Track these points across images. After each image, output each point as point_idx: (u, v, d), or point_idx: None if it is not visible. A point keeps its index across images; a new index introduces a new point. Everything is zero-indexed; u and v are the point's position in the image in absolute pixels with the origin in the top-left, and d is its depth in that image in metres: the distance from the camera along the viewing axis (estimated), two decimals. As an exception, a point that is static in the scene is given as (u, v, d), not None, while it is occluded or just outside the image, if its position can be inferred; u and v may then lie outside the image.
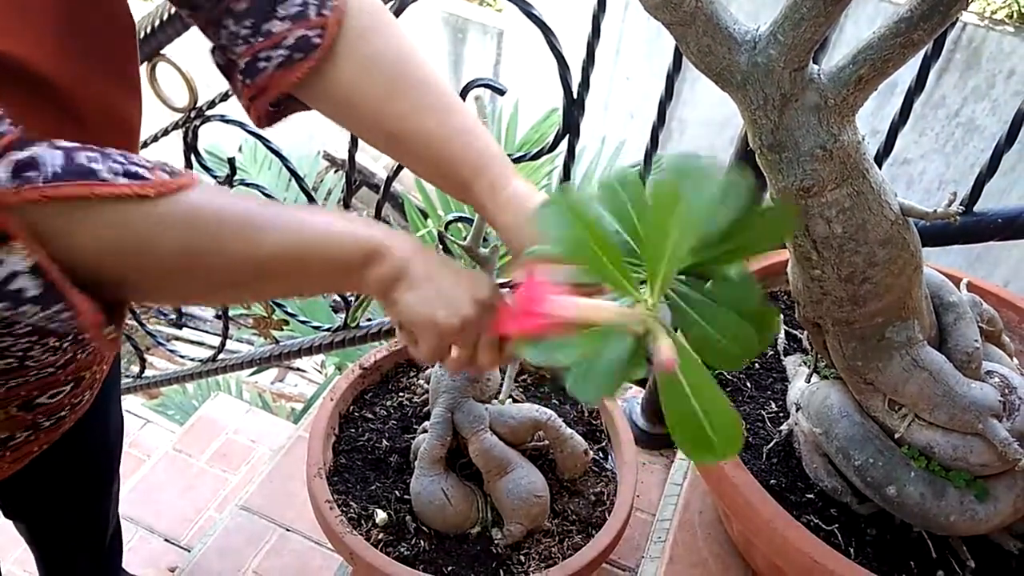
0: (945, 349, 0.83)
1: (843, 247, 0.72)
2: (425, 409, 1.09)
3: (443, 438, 0.95)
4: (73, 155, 0.46)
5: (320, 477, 0.96)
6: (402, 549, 0.92)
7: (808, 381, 0.94)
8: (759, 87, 0.64)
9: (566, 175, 1.15)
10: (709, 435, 0.45)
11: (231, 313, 1.76)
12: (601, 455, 1.07)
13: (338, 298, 1.87)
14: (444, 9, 4.03)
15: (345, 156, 1.21)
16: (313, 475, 0.96)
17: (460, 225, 1.06)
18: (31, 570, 1.32)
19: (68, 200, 0.45)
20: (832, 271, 0.74)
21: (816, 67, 0.64)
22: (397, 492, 0.99)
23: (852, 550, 0.84)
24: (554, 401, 1.14)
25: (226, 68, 0.68)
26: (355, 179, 1.29)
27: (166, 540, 1.68)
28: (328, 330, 1.49)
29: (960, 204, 0.95)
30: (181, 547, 1.67)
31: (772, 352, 1.07)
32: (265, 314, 2.75)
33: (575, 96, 1.02)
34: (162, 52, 1.12)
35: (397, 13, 0.98)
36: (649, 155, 1.11)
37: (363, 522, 0.94)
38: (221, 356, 1.73)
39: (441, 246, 1.28)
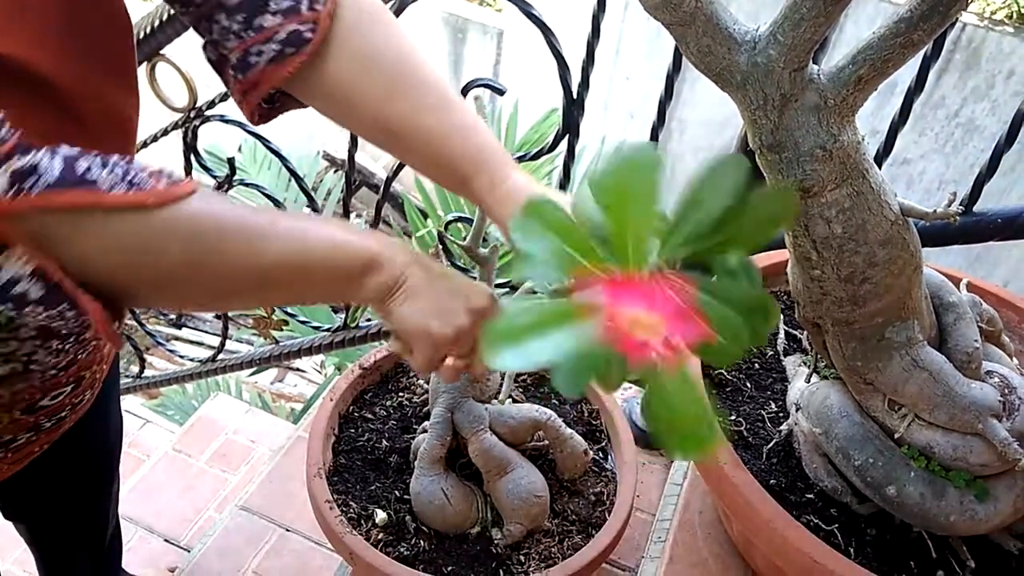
0: (945, 349, 0.83)
1: (843, 247, 0.72)
2: (425, 409, 1.09)
3: (443, 438, 0.95)
4: (73, 163, 0.46)
5: (320, 477, 0.96)
6: (402, 549, 0.92)
7: (808, 381, 0.94)
8: (759, 87, 0.64)
9: (566, 175, 1.15)
10: (683, 431, 0.45)
11: (231, 313, 1.76)
12: (601, 455, 1.07)
13: (338, 298, 1.86)
14: (444, 9, 4.03)
15: (345, 156, 1.21)
16: (313, 475, 0.96)
17: (460, 225, 1.06)
18: (31, 570, 1.31)
19: (67, 209, 0.45)
20: (832, 271, 0.74)
21: (816, 67, 0.64)
22: (397, 492, 0.99)
23: (852, 550, 0.84)
24: (554, 401, 1.14)
25: (218, 64, 0.68)
26: (355, 179, 1.29)
27: (166, 540, 1.68)
28: (328, 330, 1.49)
29: (960, 204, 0.95)
30: (181, 547, 1.66)
31: (772, 352, 1.07)
32: (265, 314, 2.75)
33: (575, 96, 1.02)
34: (162, 52, 1.12)
35: (397, 13, 0.98)
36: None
37: (363, 522, 0.94)
38: (221, 356, 1.73)
39: (441, 246, 1.28)
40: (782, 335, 1.07)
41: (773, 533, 0.80)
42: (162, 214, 0.48)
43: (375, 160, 4.32)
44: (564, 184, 1.17)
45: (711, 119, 3.60)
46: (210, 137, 1.56)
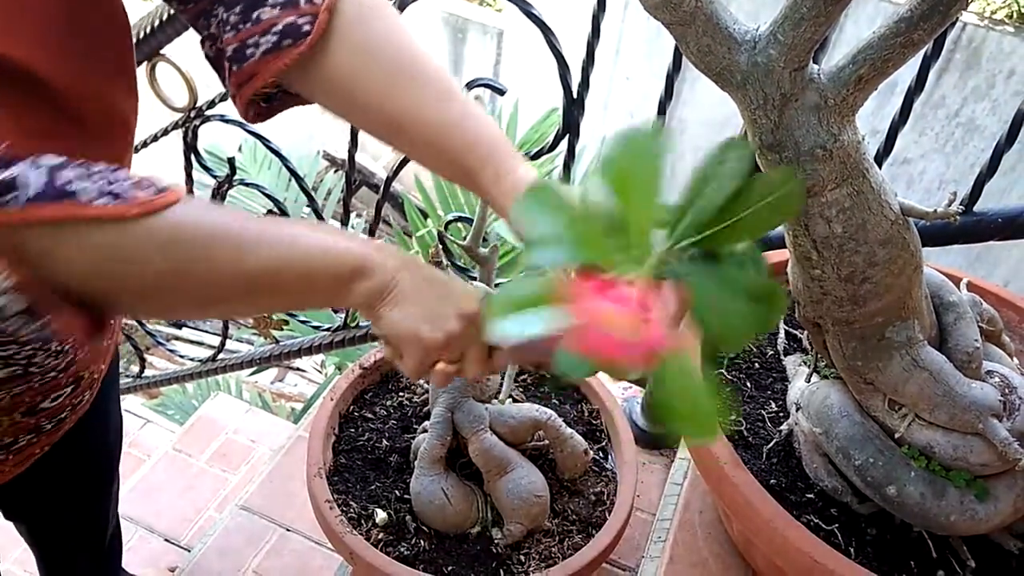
0: (945, 349, 0.83)
1: (843, 247, 0.72)
2: (425, 409, 1.09)
3: (443, 438, 0.95)
4: (55, 175, 0.45)
5: (320, 477, 0.96)
6: (402, 549, 0.92)
7: (808, 381, 0.94)
8: (759, 87, 0.64)
9: (566, 175, 1.15)
10: (688, 415, 0.45)
11: (231, 313, 1.76)
12: (601, 455, 1.07)
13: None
14: (444, 9, 4.03)
15: (345, 156, 1.21)
16: (313, 475, 0.96)
17: (460, 225, 1.06)
18: (31, 570, 1.31)
19: (47, 223, 0.45)
20: (832, 271, 0.74)
21: (816, 67, 0.64)
22: (397, 492, 0.99)
23: (852, 550, 0.84)
24: (554, 401, 1.14)
25: (215, 59, 0.68)
26: (355, 179, 1.29)
27: (166, 540, 1.68)
28: (328, 330, 1.49)
29: (960, 204, 0.95)
30: (181, 547, 1.67)
31: (772, 352, 1.07)
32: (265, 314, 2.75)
33: (575, 96, 1.02)
34: (162, 52, 1.12)
35: (397, 13, 0.98)
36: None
37: (363, 522, 0.94)
38: (221, 356, 1.73)
39: (441, 246, 1.28)
40: (782, 335, 1.07)
41: (773, 533, 0.80)
42: (146, 224, 0.48)
43: (375, 160, 4.32)
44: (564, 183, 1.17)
45: (711, 119, 3.60)
46: (210, 137, 1.56)
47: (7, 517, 1.07)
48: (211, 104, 1.18)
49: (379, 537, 0.93)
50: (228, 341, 1.65)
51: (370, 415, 1.10)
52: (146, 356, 1.95)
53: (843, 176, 0.68)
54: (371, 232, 1.32)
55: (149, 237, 0.48)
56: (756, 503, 0.82)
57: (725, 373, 1.03)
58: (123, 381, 1.92)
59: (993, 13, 3.29)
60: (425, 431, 0.99)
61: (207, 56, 0.69)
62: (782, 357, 1.05)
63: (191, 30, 0.70)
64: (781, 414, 0.99)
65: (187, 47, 1.08)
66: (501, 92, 0.97)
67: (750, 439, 0.95)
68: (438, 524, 0.95)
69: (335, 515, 0.92)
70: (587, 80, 1.01)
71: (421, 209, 2.48)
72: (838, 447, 0.85)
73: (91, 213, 0.45)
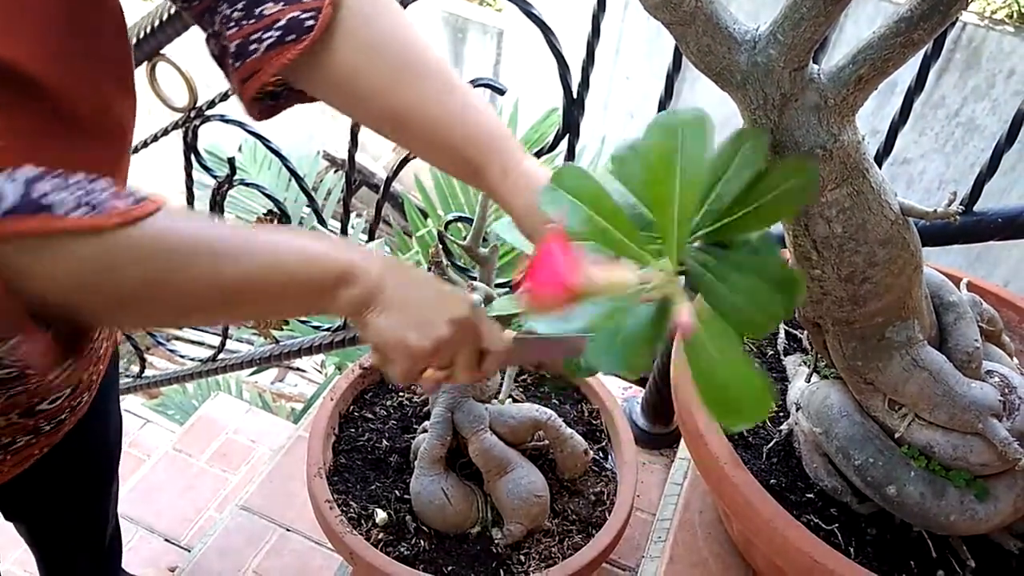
0: (945, 349, 0.83)
1: (843, 247, 0.72)
2: (425, 409, 1.10)
3: (443, 438, 0.95)
4: (31, 187, 0.45)
5: (320, 477, 0.96)
6: (402, 549, 0.92)
7: (808, 381, 0.94)
8: (759, 87, 0.64)
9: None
10: (737, 400, 0.45)
11: (231, 313, 1.76)
12: (601, 455, 1.07)
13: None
14: (444, 9, 4.03)
15: (345, 156, 1.21)
16: (313, 475, 0.96)
17: (460, 225, 1.06)
18: (31, 570, 1.32)
19: (22, 236, 0.44)
20: (832, 271, 0.74)
21: (816, 67, 0.64)
22: (397, 492, 0.99)
23: (852, 550, 0.84)
24: (554, 401, 1.14)
25: (220, 57, 0.68)
26: (355, 179, 1.29)
27: (166, 540, 1.68)
28: (328, 330, 1.49)
29: (960, 204, 0.95)
30: (181, 547, 1.67)
31: (772, 352, 1.07)
32: (265, 314, 2.74)
33: (575, 96, 1.02)
34: (162, 52, 1.12)
35: (397, 13, 0.98)
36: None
37: (363, 522, 0.94)
38: (221, 356, 1.73)
39: (441, 246, 1.28)
40: (782, 335, 1.07)
41: (773, 533, 0.80)
42: (124, 234, 0.47)
43: (375, 160, 4.32)
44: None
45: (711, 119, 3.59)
46: (210, 137, 1.56)
47: (7, 517, 1.07)
48: (211, 104, 1.18)
49: (379, 537, 0.93)
50: (228, 341, 1.65)
51: (370, 415, 1.10)
52: (146, 356, 1.95)
53: (843, 176, 0.68)
54: (371, 232, 1.32)
55: (127, 248, 0.48)
56: (756, 503, 0.82)
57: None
58: (123, 381, 1.92)
59: (993, 13, 3.29)
60: (425, 431, 0.99)
61: (212, 54, 0.69)
62: (782, 357, 1.05)
63: (191, 30, 0.70)
64: (781, 414, 0.99)
65: (187, 47, 1.08)
66: (501, 92, 0.97)
67: (750, 439, 0.95)
68: (438, 524, 0.95)
69: (335, 515, 0.92)
70: (587, 80, 1.01)
71: (421, 209, 2.48)
72: (838, 447, 0.85)
73: (67, 225, 0.45)
